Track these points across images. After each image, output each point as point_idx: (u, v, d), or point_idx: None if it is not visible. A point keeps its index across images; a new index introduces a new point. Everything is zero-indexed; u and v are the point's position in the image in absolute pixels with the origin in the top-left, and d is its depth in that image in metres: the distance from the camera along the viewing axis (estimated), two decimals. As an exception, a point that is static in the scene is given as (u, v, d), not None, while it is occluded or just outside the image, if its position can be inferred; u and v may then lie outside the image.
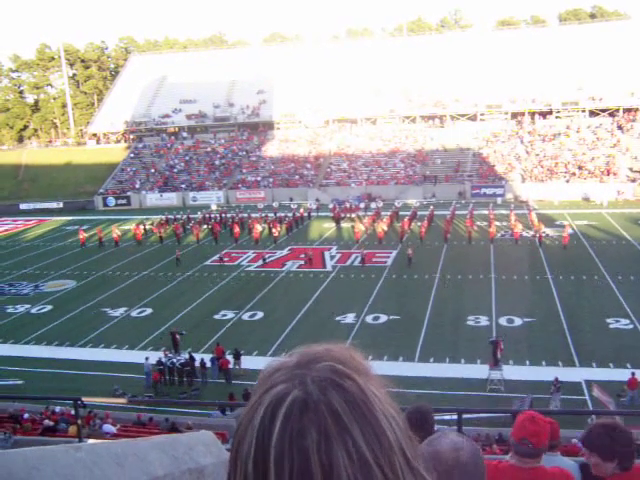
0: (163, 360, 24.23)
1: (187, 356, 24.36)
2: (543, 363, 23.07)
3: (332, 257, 41.07)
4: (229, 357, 24.25)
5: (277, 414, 0.84)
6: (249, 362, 23.94)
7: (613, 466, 3.03)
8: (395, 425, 0.88)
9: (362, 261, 38.25)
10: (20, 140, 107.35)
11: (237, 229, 47.55)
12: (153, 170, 73.70)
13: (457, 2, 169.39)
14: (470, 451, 1.83)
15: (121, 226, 53.77)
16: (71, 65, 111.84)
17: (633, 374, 20.08)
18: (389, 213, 51.06)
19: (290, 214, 53.19)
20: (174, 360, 24.25)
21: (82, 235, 49.06)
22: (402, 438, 0.88)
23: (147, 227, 52.08)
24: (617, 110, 67.27)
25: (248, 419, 0.88)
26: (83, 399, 7.04)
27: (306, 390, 0.86)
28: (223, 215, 54.91)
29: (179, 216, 55.96)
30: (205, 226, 51.93)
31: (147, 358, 24.08)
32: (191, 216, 55.75)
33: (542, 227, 42.14)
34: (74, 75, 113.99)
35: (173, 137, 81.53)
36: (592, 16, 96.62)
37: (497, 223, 45.11)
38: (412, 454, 0.89)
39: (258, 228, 46.94)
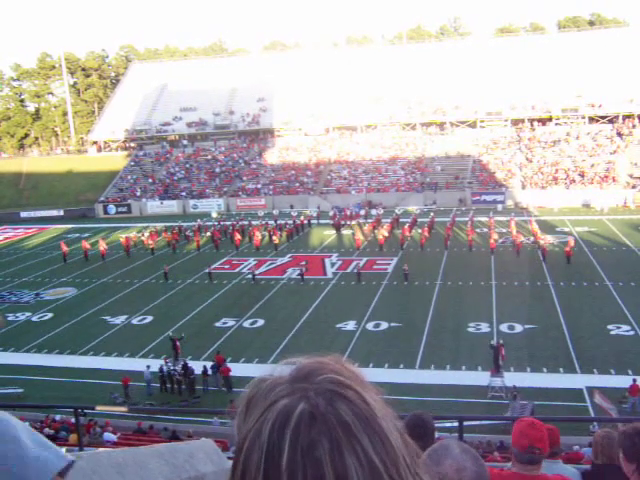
0: (164, 368, 24.19)
1: (181, 365, 24.21)
2: (544, 370, 23.01)
3: (333, 264, 41.04)
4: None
5: (285, 428, 0.84)
6: (250, 370, 23.83)
7: (633, 468, 3.02)
8: (395, 431, 0.89)
9: (358, 277, 36.57)
10: (21, 148, 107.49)
11: (238, 236, 47.61)
12: (151, 180, 73.71)
13: (456, 10, 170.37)
14: (473, 471, 1.81)
15: (114, 235, 53.30)
16: (72, 73, 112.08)
17: (634, 380, 20.02)
18: (389, 220, 51.07)
19: (290, 221, 53.21)
20: (171, 369, 24.17)
21: (65, 248, 47.27)
22: (401, 444, 0.89)
23: (137, 238, 50.94)
24: (616, 117, 67.40)
25: (254, 436, 0.86)
26: (96, 407, 7.04)
27: (311, 403, 0.86)
28: (222, 223, 54.79)
29: (169, 225, 55.49)
30: (205, 233, 51.81)
31: (149, 367, 24.04)
32: (182, 225, 55.01)
33: (545, 237, 41.58)
34: (75, 83, 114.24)
35: (173, 145, 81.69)
36: (591, 23, 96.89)
37: (497, 231, 44.95)
38: (410, 459, 0.90)
39: (258, 235, 46.98)
